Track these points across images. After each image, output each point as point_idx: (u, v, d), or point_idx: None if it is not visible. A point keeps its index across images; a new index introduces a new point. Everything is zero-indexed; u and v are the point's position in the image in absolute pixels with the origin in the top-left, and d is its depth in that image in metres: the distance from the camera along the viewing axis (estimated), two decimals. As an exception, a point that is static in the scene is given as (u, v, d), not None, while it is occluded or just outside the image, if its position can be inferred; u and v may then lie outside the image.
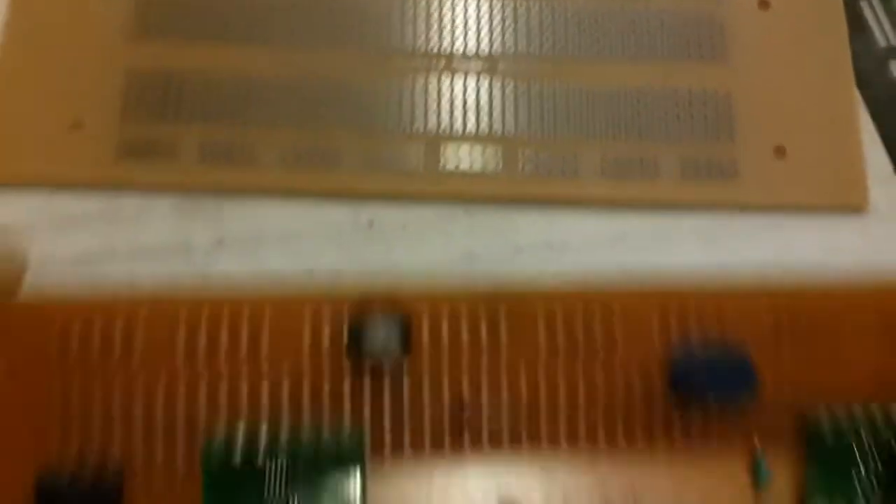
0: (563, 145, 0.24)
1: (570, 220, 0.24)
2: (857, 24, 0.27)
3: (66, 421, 0.15)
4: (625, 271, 0.22)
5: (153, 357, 0.15)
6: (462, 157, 0.24)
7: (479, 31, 0.26)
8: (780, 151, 0.25)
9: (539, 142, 0.24)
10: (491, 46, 0.25)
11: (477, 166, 0.24)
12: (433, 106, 0.25)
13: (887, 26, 0.27)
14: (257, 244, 0.23)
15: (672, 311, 0.16)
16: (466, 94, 0.25)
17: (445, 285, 0.17)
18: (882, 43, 0.27)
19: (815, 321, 0.16)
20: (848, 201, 0.24)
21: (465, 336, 0.16)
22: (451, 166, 0.24)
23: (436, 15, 0.25)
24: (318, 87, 0.24)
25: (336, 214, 0.24)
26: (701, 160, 0.24)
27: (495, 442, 0.15)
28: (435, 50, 0.25)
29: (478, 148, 0.24)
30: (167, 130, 0.24)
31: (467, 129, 0.24)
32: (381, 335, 0.15)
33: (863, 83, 0.26)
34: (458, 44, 0.25)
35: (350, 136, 0.24)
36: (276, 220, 0.24)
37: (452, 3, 0.26)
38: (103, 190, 0.24)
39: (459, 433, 0.15)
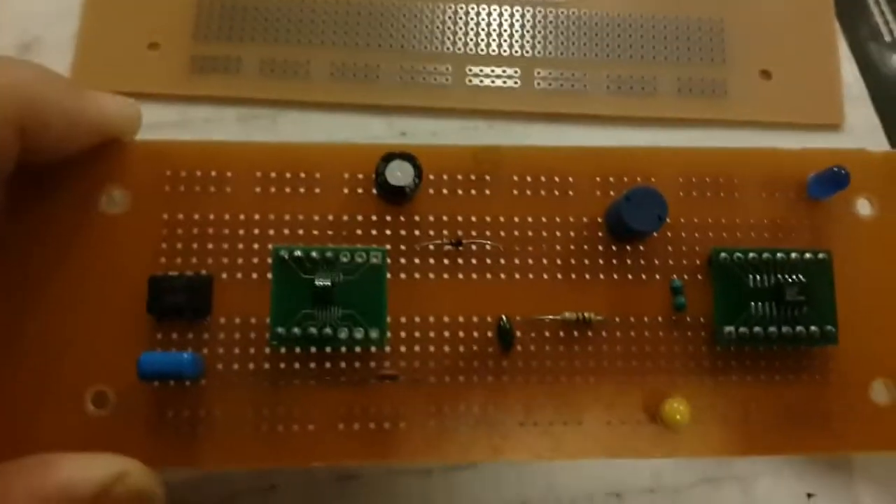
0: (573, 66, 0.28)
1: (580, 133, 0.27)
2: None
3: (172, 243, 0.19)
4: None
5: (236, 194, 0.20)
6: (485, 75, 0.28)
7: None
8: (765, 74, 0.28)
9: (552, 63, 0.28)
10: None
11: (498, 83, 0.28)
12: (461, 29, 0.28)
13: None
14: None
15: (609, 170, 0.20)
16: (491, 19, 0.28)
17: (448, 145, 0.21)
18: None
19: (717, 177, 0.20)
20: (825, 120, 0.28)
21: (459, 183, 0.20)
22: (475, 83, 0.28)
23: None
24: (362, 11, 0.28)
25: (374, 125, 0.27)
26: (694, 80, 0.28)
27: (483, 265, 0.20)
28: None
29: (499, 68, 0.28)
30: (231, 49, 0.28)
31: (491, 50, 0.28)
32: (401, 172, 0.19)
33: (843, 18, 0.29)
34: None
35: (387, 55, 0.28)
36: (322, 130, 0.27)
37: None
38: (177, 102, 0.27)
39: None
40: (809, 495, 0.25)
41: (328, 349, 0.19)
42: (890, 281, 0.21)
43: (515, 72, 0.28)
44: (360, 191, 0.20)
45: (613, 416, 0.20)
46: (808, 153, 0.21)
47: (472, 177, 0.20)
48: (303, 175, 0.20)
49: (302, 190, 0.20)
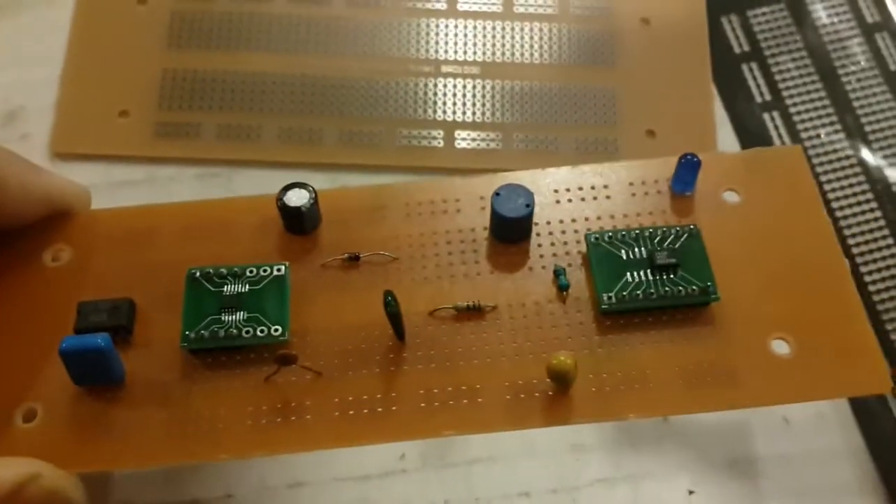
0: (493, 128, 0.32)
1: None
2: (717, 34, 0.35)
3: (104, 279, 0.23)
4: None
5: (163, 242, 0.23)
6: (414, 137, 0.32)
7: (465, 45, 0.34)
8: (650, 133, 0.33)
9: (476, 126, 0.32)
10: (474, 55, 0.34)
11: (426, 143, 0.32)
12: (392, 96, 0.33)
13: (742, 36, 0.35)
14: (259, 201, 0.31)
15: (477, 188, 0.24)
16: (420, 87, 0.33)
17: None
18: (737, 49, 0.35)
19: (591, 184, 0.24)
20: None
21: (356, 215, 0.24)
22: (404, 142, 0.32)
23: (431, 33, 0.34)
24: (306, 82, 0.33)
25: (318, 180, 0.32)
26: (590, 140, 0.33)
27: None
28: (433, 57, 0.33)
29: (427, 130, 0.32)
30: (192, 116, 0.32)
31: (418, 114, 0.32)
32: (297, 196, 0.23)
33: (719, 82, 0.34)
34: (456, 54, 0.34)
35: (328, 119, 0.32)
36: (271, 185, 0.31)
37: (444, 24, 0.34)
38: (144, 162, 0.32)
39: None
40: (690, 492, 0.29)
41: (234, 350, 0.22)
42: (762, 252, 0.23)
43: (439, 133, 0.32)
44: (268, 228, 0.23)
45: (511, 391, 0.21)
46: (670, 160, 0.24)
47: (370, 210, 0.23)
48: (220, 225, 0.23)
49: (219, 234, 0.23)
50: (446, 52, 0.34)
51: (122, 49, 0.33)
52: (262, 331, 0.21)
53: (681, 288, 0.22)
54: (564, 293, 0.22)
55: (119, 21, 0.33)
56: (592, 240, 0.23)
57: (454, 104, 0.33)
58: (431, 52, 0.34)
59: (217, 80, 0.32)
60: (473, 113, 0.33)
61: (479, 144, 0.32)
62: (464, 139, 0.32)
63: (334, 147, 0.32)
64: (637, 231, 0.23)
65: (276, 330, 0.21)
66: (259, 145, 0.32)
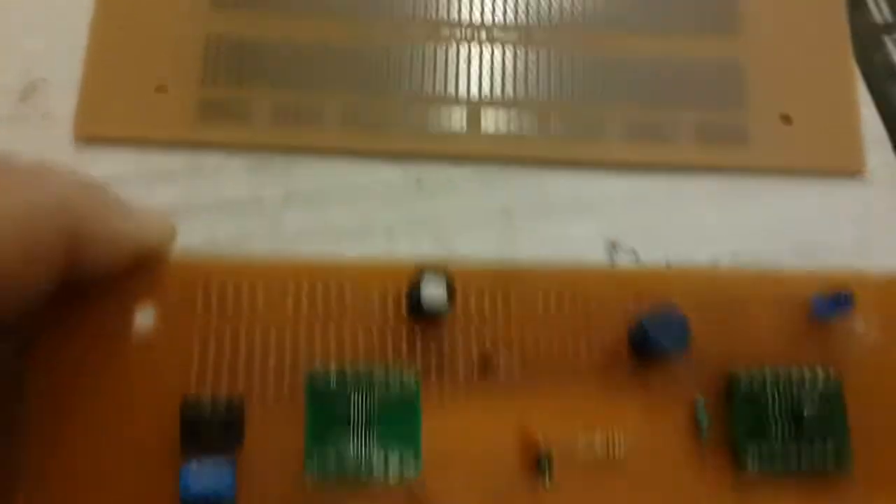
0: (589, 111, 0.27)
1: (596, 180, 0.27)
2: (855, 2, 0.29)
3: (203, 361, 0.19)
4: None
5: (267, 312, 0.19)
6: (498, 121, 0.27)
7: (515, 3, 0.28)
8: (786, 119, 0.28)
9: (567, 107, 0.27)
10: (527, 17, 0.28)
11: (512, 129, 0.27)
12: (475, 73, 0.27)
13: (883, 4, 0.30)
14: (321, 200, 0.26)
15: (631, 289, 0.20)
16: (505, 63, 0.28)
17: (476, 262, 0.21)
18: (878, 20, 0.30)
19: (733, 297, 0.21)
20: (846, 167, 0.27)
21: (486, 301, 0.20)
22: (488, 129, 0.27)
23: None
24: (374, 56, 0.27)
25: (389, 172, 0.27)
26: (714, 125, 0.27)
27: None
28: (477, 21, 0.28)
29: (513, 112, 0.27)
30: (242, 94, 0.27)
31: (505, 95, 0.27)
32: (436, 294, 0.19)
33: (860, 58, 0.29)
34: (497, 14, 0.28)
35: (401, 100, 0.27)
36: (336, 178, 0.27)
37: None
38: (185, 148, 0.27)
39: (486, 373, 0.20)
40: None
41: (362, 476, 0.19)
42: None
43: (530, 117, 0.27)
44: (390, 306, 0.20)
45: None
46: (813, 275, 0.21)
47: (497, 294, 0.20)
48: (332, 296, 0.20)
49: (333, 306, 0.19)
50: (538, 16, 0.28)
51: (157, 11, 0.28)
52: (394, 456, 0.19)
53: (820, 448, 0.20)
54: (703, 438, 0.20)
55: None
56: (738, 380, 0.20)
57: (548, 82, 0.27)
58: (520, 17, 0.28)
59: (271, 50, 0.27)
60: (572, 93, 0.27)
61: (576, 131, 0.27)
62: (558, 124, 0.27)
63: (408, 132, 0.27)
64: (784, 372, 0.20)
65: (409, 459, 0.19)
66: (320, 130, 0.27)
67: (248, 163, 0.27)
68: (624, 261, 0.26)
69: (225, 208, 0.26)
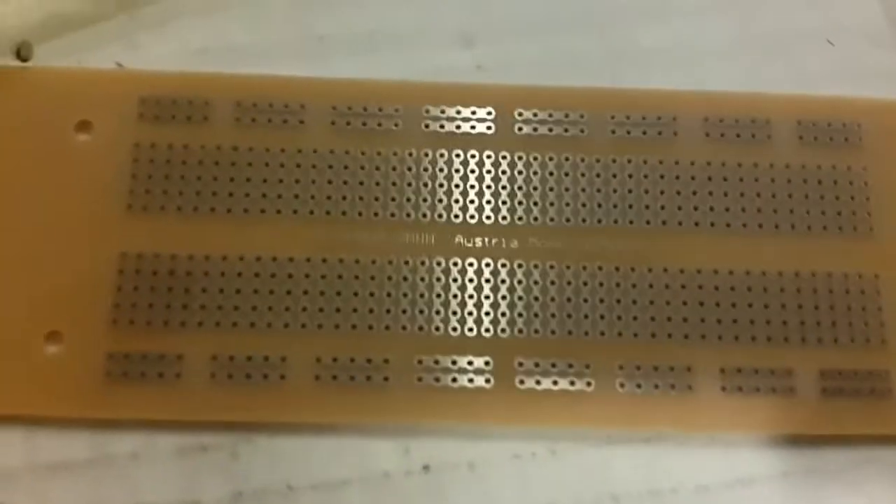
0: (665, 355, 0.19)
1: (678, 459, 0.19)
2: None
3: None
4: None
5: None
6: (539, 371, 0.19)
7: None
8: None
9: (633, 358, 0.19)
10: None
11: (561, 384, 0.19)
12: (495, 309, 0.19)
13: None
14: (283, 499, 0.18)
15: None
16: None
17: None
18: None
19: None
20: None
21: None
22: (526, 384, 0.19)
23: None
24: (359, 277, 0.19)
25: (382, 453, 0.19)
26: (834, 383, 0.19)
27: None
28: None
29: (561, 361, 0.19)
30: (171, 341, 0.19)
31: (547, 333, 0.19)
32: None
33: None
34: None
35: (399, 342, 0.19)
36: (307, 463, 0.19)
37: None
38: (88, 427, 0.18)
39: None
40: None
41: None
42: None
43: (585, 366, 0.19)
44: None
45: None
46: None
47: None
48: None
49: None
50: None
51: (48, 216, 0.19)
52: None
53: None
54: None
55: (46, 162, 0.20)
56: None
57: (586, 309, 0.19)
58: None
59: (212, 271, 0.19)
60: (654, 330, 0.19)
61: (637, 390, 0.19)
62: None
63: (409, 393, 0.19)
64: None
65: None
66: (282, 393, 0.19)
67: (177, 445, 0.18)
68: None
69: (147, 514, 0.18)
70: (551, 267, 0.19)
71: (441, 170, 0.20)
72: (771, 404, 0.19)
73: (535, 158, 0.20)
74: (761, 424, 0.19)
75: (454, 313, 0.19)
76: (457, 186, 0.20)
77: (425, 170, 0.20)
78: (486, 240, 0.20)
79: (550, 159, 0.20)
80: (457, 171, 0.20)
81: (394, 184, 0.20)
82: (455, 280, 0.19)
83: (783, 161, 0.21)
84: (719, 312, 0.19)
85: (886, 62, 0.22)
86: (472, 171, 0.20)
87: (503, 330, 0.19)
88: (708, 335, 0.19)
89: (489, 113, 0.20)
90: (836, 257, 0.20)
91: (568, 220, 0.20)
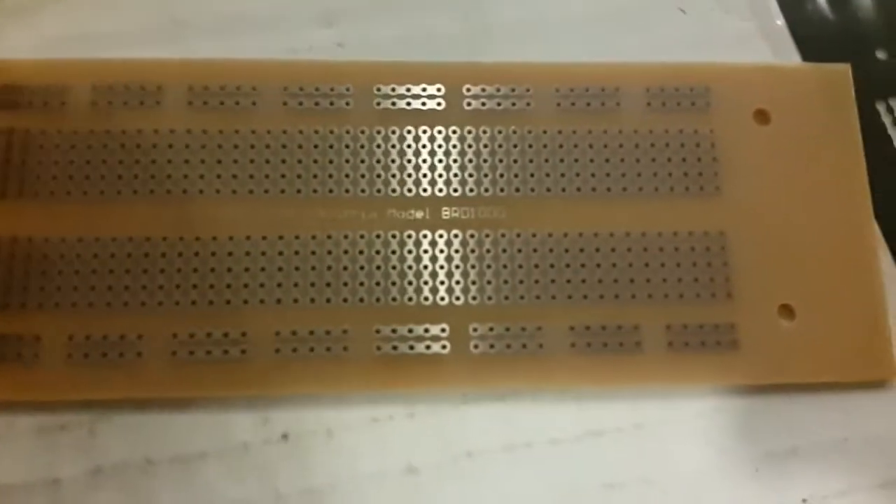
0: (520, 315, 0.20)
1: (532, 412, 0.19)
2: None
3: None
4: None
5: None
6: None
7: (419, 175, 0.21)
8: (786, 310, 0.20)
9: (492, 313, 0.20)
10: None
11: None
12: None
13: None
14: (142, 473, 0.18)
15: None
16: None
17: None
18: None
19: None
20: (870, 375, 0.20)
21: None
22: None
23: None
24: (218, 254, 0.20)
25: (240, 423, 0.19)
26: (683, 327, 0.20)
27: None
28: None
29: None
30: (26, 322, 0.19)
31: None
32: None
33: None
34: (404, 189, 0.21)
35: (260, 313, 0.19)
36: (165, 437, 0.19)
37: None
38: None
39: None
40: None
41: None
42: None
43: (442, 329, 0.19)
44: None
45: None
46: None
47: None
48: None
49: None
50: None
51: None
52: None
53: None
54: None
55: None
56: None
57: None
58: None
59: (69, 255, 0.19)
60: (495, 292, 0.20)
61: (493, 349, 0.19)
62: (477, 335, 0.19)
63: (268, 363, 0.19)
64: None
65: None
66: (140, 370, 0.19)
67: (36, 424, 0.19)
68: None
69: (4, 494, 0.18)
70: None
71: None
72: (620, 359, 0.19)
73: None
74: (611, 379, 0.19)
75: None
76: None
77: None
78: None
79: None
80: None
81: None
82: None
83: (632, 127, 0.21)
84: (569, 273, 0.20)
85: (737, 28, 0.23)
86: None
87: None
88: (557, 295, 0.20)
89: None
90: (685, 217, 0.21)
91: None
